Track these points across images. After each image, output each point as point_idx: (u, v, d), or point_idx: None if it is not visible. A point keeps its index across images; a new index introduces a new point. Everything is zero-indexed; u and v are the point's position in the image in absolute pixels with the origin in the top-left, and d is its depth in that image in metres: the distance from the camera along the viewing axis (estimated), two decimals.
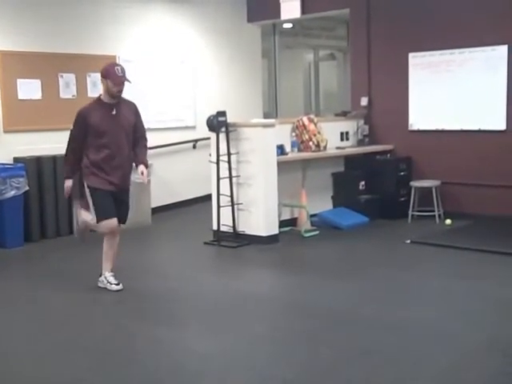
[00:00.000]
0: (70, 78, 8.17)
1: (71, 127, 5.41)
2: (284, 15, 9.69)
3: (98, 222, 5.35)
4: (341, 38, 12.10)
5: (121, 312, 5.01)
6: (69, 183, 5.44)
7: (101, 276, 5.52)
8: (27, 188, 7.22)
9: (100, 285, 5.51)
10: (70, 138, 5.44)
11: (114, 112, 5.29)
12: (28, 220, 7.39)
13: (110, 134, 5.26)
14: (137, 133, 5.47)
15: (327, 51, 13.36)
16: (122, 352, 4.20)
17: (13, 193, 7.07)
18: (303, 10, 9.48)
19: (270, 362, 3.98)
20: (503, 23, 7.66)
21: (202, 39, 9.86)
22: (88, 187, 5.34)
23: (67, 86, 8.14)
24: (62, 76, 8.08)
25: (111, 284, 5.44)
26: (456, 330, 4.36)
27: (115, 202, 5.36)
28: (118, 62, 8.62)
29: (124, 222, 5.55)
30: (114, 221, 5.34)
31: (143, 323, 4.71)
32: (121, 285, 5.42)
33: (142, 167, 5.39)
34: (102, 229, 5.40)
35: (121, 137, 5.33)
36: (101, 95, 5.34)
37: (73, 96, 8.20)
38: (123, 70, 5.28)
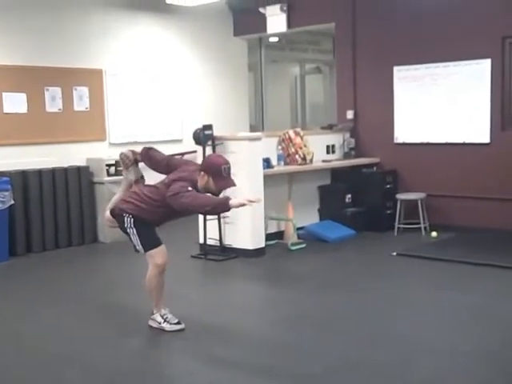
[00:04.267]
0: (56, 91, 8.16)
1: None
2: (270, 29, 9.75)
3: (146, 251, 4.60)
4: (327, 51, 12.19)
5: (106, 326, 4.97)
6: None
7: (154, 314, 4.77)
8: (12, 202, 7.18)
9: (153, 324, 4.76)
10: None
11: None
12: (13, 234, 7.34)
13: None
14: None
15: (313, 65, 13.44)
16: (109, 367, 4.17)
17: None
18: (289, 24, 9.55)
19: (257, 376, 3.97)
20: (486, 37, 7.74)
21: (189, 52, 9.89)
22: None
23: (53, 99, 8.13)
24: (47, 89, 8.08)
25: (170, 324, 4.70)
26: (442, 342, 4.37)
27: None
28: (104, 75, 8.66)
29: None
30: (164, 247, 4.66)
31: (130, 338, 4.69)
32: (183, 324, 4.72)
33: None
34: (155, 259, 4.61)
35: None
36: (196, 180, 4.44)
37: (59, 110, 8.20)
38: (230, 170, 4.43)
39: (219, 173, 4.34)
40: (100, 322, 5.06)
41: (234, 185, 4.45)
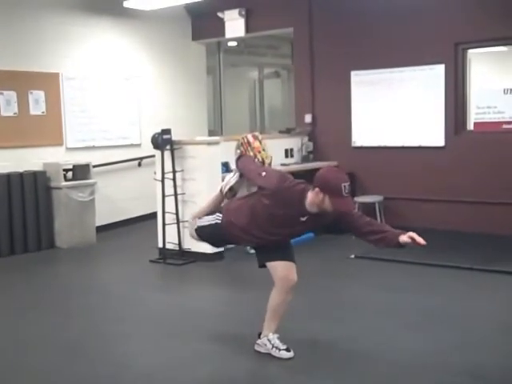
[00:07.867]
0: (11, 95, 8.02)
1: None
2: (228, 34, 9.77)
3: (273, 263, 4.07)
4: (285, 56, 12.27)
5: (66, 333, 4.92)
6: None
7: (260, 337, 4.32)
8: None
9: (260, 349, 4.29)
10: None
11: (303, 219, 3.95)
12: None
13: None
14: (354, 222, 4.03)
15: (272, 69, 13.52)
16: (67, 371, 4.13)
17: None
18: (247, 29, 9.59)
19: (215, 378, 3.98)
20: (440, 43, 7.91)
21: (147, 56, 9.85)
22: None
23: (8, 103, 7.99)
24: (2, 93, 7.94)
25: (279, 350, 4.19)
26: (400, 343, 4.44)
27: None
28: (61, 78, 8.55)
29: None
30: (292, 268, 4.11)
31: (89, 341, 4.65)
32: (292, 351, 4.20)
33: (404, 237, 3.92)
34: (279, 276, 4.12)
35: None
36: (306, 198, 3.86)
37: (14, 114, 8.06)
38: (349, 189, 3.77)
39: (339, 192, 3.71)
40: (59, 329, 5.00)
41: (353, 207, 3.96)
